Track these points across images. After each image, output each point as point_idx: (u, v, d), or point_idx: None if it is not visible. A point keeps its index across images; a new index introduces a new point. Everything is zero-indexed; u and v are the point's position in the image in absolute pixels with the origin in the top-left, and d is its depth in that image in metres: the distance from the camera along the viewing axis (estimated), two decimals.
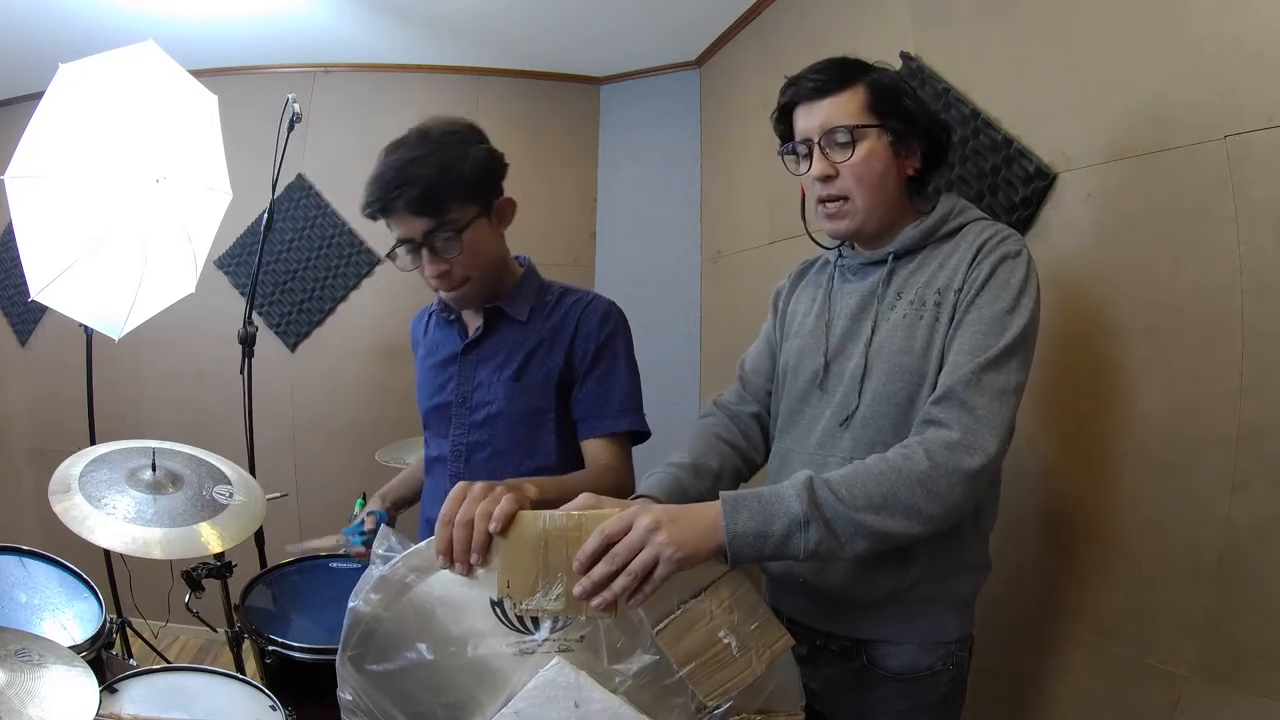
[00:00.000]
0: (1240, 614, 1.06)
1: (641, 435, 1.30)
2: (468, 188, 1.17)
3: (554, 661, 0.87)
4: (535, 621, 0.87)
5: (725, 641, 0.86)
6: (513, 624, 0.88)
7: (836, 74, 1.05)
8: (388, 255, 1.23)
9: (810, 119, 1.05)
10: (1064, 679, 1.34)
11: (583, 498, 0.90)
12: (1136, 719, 1.21)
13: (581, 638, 0.88)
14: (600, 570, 0.82)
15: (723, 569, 0.88)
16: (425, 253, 1.18)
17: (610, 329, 1.29)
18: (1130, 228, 1.25)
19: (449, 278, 1.20)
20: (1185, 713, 1.12)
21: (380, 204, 1.15)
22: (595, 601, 0.82)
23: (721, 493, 0.88)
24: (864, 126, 1.02)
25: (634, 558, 0.81)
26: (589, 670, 0.86)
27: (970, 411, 0.91)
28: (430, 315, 1.44)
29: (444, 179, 1.14)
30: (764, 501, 0.87)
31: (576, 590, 0.83)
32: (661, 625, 0.86)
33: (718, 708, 0.87)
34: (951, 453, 0.89)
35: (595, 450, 1.26)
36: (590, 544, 0.82)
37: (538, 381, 1.27)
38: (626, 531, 0.82)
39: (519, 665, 0.88)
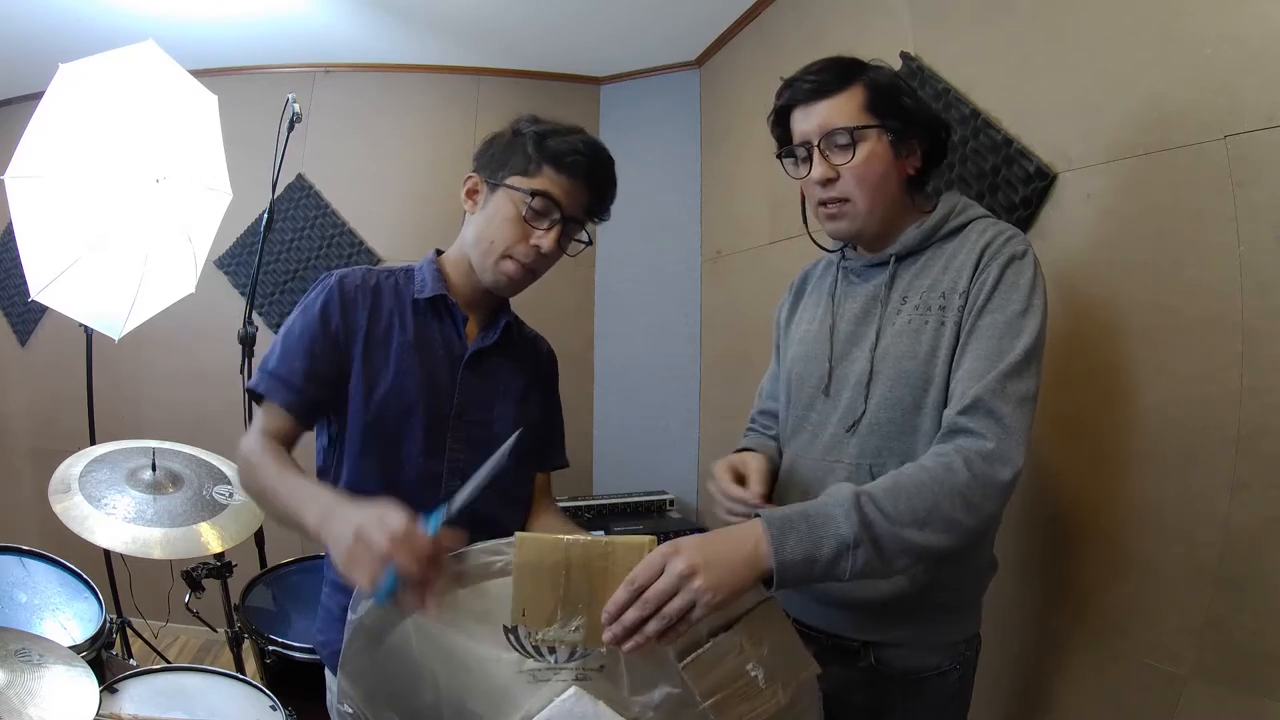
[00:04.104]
0: (1240, 614, 1.06)
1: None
2: None
3: (570, 691, 0.84)
4: (552, 650, 0.84)
5: (753, 674, 0.83)
6: (527, 650, 0.84)
7: (834, 74, 1.03)
8: (533, 195, 1.08)
9: (809, 121, 1.04)
10: (1064, 678, 1.34)
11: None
12: (1136, 719, 1.21)
13: (601, 667, 0.85)
14: (632, 616, 0.78)
15: (757, 597, 0.85)
16: (560, 228, 1.11)
17: (556, 368, 1.34)
18: (1130, 228, 1.25)
19: (545, 261, 1.14)
20: (1185, 713, 1.12)
21: (591, 177, 1.12)
22: (627, 646, 0.78)
23: (763, 514, 0.85)
24: (864, 127, 1.01)
25: (667, 603, 0.77)
26: (608, 700, 0.84)
27: (999, 421, 0.90)
28: (383, 281, 1.17)
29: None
30: (812, 523, 0.84)
31: (606, 637, 0.79)
32: (689, 659, 0.82)
33: None
34: (988, 464, 0.88)
35: (544, 482, 1.31)
36: (620, 596, 0.78)
37: (540, 411, 1.26)
38: (657, 577, 0.78)
39: (531, 691, 0.85)
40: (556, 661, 0.85)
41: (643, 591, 0.78)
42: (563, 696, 0.84)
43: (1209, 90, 1.11)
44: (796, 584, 0.84)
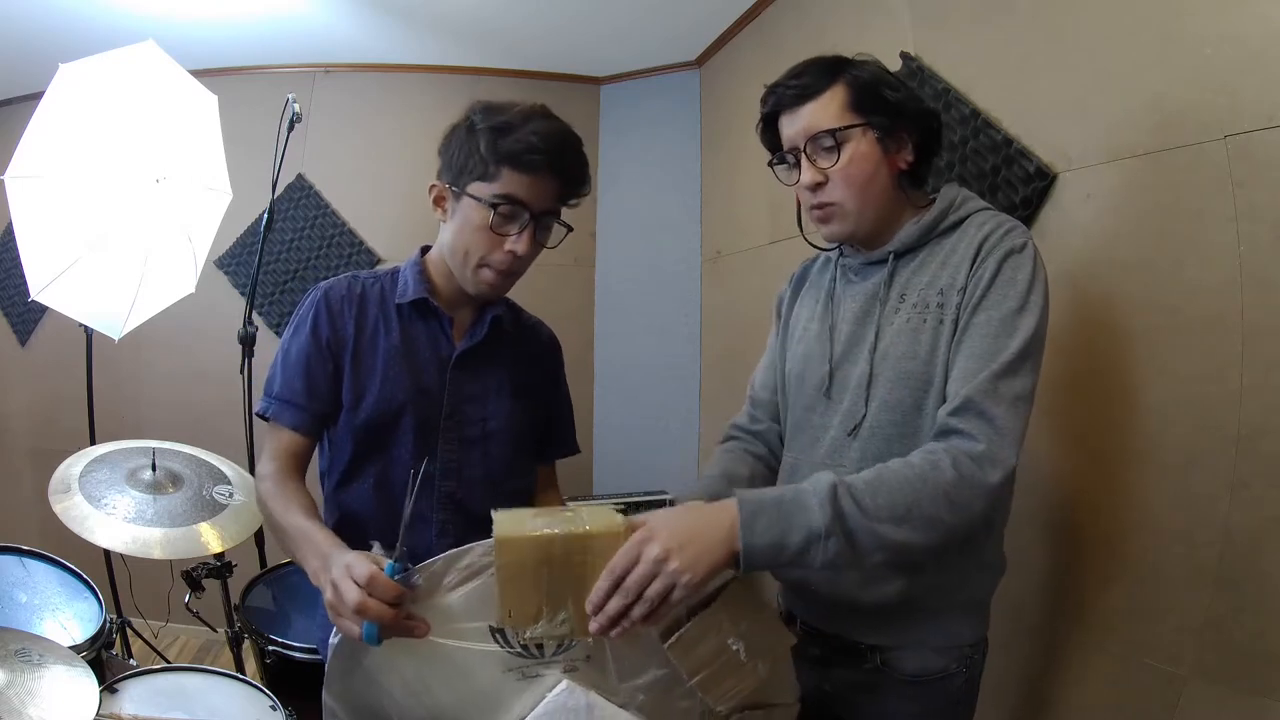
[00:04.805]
0: (1240, 614, 1.06)
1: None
2: None
3: (562, 685, 0.85)
4: (540, 646, 0.85)
5: (734, 649, 0.85)
6: (514, 649, 0.85)
7: (814, 76, 1.01)
8: (495, 203, 1.04)
9: (794, 126, 1.02)
10: (1064, 678, 1.34)
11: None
12: (1136, 719, 1.21)
13: (588, 657, 0.86)
14: (615, 605, 0.79)
15: (732, 573, 0.86)
16: (532, 227, 1.07)
17: (560, 354, 1.33)
18: (1130, 228, 1.25)
19: (524, 261, 1.10)
20: (1185, 713, 1.12)
21: (555, 168, 1.06)
22: (614, 633, 0.80)
23: (739, 493, 0.85)
24: (847, 128, 0.99)
25: (646, 588, 0.79)
26: (598, 688, 0.85)
27: (990, 422, 0.89)
28: (369, 288, 1.17)
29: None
30: (784, 510, 0.84)
31: (592, 628, 0.81)
32: (672, 639, 0.84)
33: (724, 711, 0.86)
34: (977, 465, 0.88)
35: (548, 473, 1.32)
36: (602, 586, 0.80)
37: (535, 403, 1.24)
38: (635, 564, 0.79)
39: (522, 690, 0.85)
40: (544, 656, 0.86)
41: (622, 579, 0.79)
42: (555, 691, 0.85)
43: (1209, 90, 1.11)
44: (765, 568, 0.85)
